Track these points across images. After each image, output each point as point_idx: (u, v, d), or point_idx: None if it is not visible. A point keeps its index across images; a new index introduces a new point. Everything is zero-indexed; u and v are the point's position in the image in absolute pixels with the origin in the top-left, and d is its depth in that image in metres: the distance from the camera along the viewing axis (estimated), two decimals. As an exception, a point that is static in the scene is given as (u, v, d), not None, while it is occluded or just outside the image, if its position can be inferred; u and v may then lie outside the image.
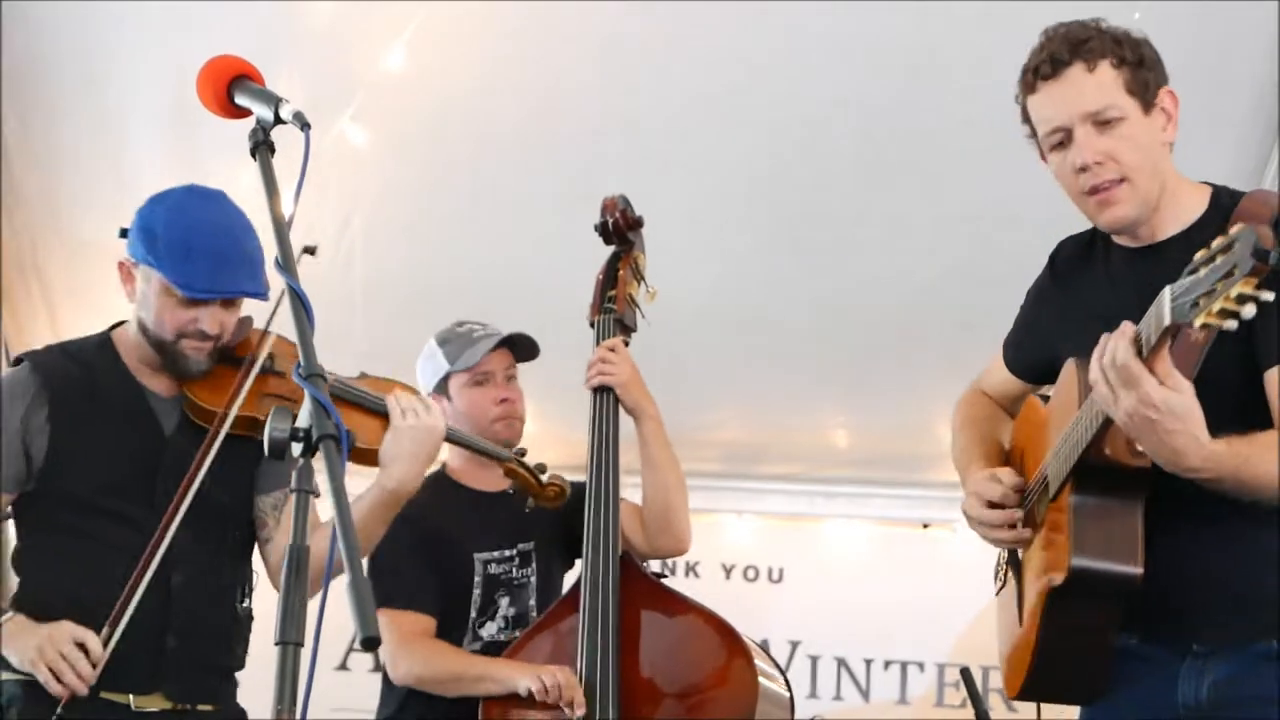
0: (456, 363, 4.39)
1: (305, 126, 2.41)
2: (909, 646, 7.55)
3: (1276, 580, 2.84)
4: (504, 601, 4.37)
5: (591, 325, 4.40)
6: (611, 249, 4.50)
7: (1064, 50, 2.93)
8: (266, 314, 3.49)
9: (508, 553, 4.37)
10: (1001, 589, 3.27)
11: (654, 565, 4.56)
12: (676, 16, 5.68)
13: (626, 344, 4.38)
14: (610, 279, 4.44)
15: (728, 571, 7.76)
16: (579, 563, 4.24)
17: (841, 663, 7.72)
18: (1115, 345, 2.60)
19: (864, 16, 5.61)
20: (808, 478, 7.60)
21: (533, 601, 4.41)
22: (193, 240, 3.35)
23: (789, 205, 6.32)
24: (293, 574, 1.98)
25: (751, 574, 7.84)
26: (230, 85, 2.54)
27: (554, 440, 5.63)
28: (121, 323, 3.58)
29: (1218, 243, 2.38)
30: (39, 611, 3.32)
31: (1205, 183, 3.05)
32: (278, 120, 2.44)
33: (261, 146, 2.42)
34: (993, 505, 3.06)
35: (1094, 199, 2.94)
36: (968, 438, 3.32)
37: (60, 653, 3.18)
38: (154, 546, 3.26)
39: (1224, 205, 2.97)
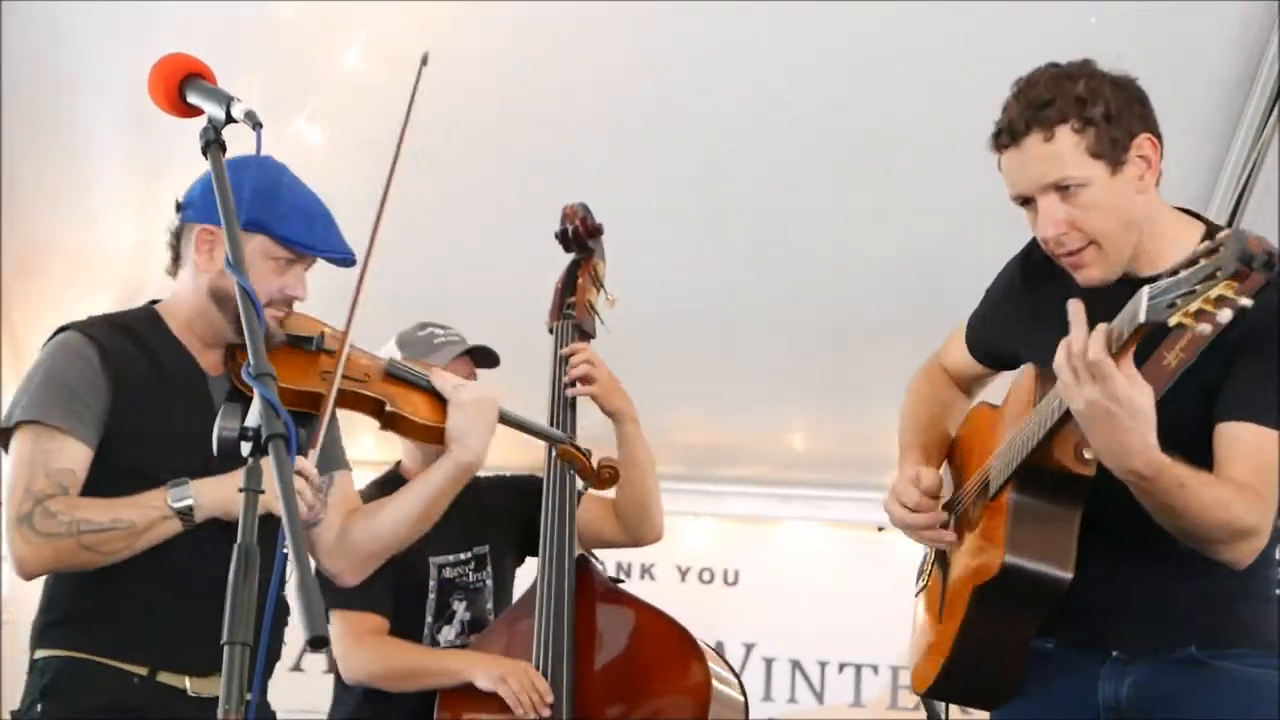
0: None
1: (256, 125, 2.41)
2: (863, 649, 7.57)
3: (1194, 592, 2.88)
4: (460, 606, 4.37)
5: (550, 331, 4.39)
6: (571, 256, 4.49)
7: (1021, 120, 2.87)
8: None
9: (463, 556, 4.36)
10: (923, 589, 3.28)
11: (610, 569, 4.56)
12: (637, 19, 5.67)
13: None
14: (569, 286, 4.43)
15: (683, 574, 7.76)
16: (534, 562, 4.24)
17: (796, 665, 7.73)
18: (1090, 340, 2.58)
19: (825, 16, 5.62)
20: (764, 480, 7.61)
21: (490, 605, 4.40)
22: (305, 204, 3.40)
23: (747, 208, 6.33)
24: (240, 573, 1.98)
25: (707, 576, 7.84)
26: (182, 84, 2.54)
27: (510, 443, 5.60)
28: (156, 301, 3.53)
29: (1202, 247, 2.38)
30: (100, 582, 3.22)
31: (1197, 215, 3.04)
32: (229, 119, 2.43)
33: (213, 145, 2.41)
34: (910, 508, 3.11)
35: (1066, 261, 2.93)
36: (914, 420, 3.35)
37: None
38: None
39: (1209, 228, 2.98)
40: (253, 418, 2.03)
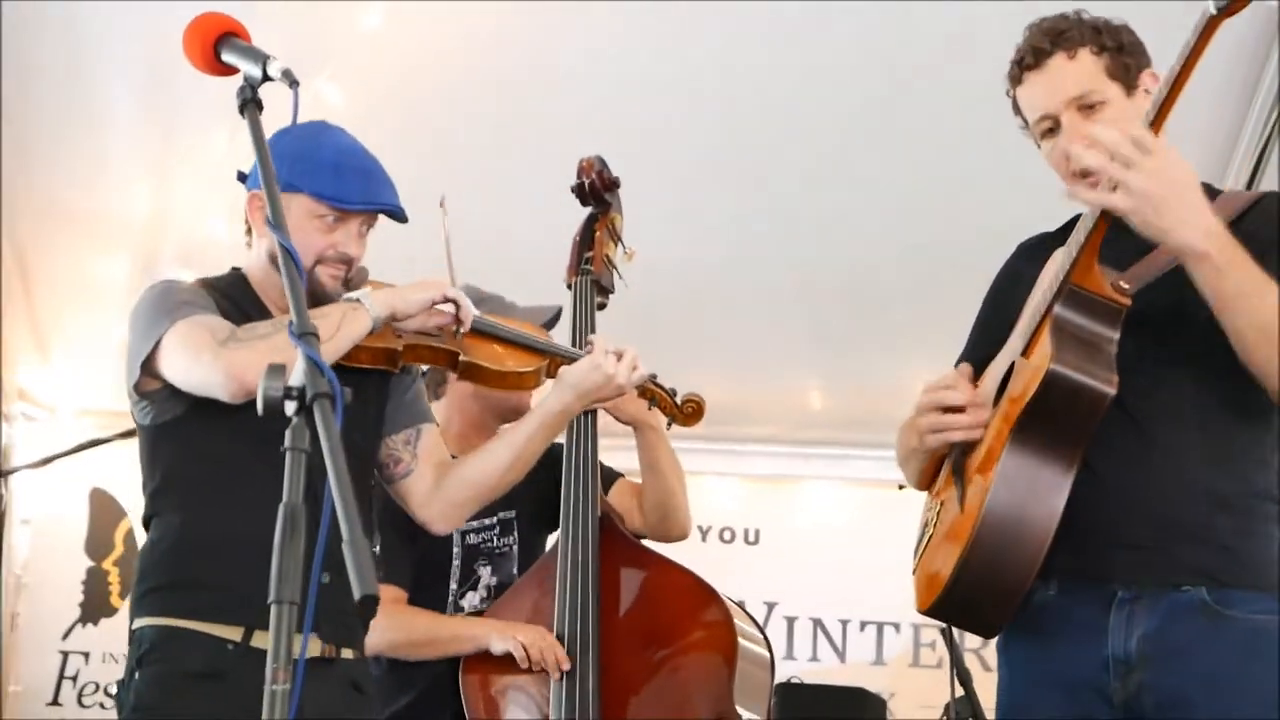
0: None
1: (293, 84, 2.40)
2: (885, 607, 7.59)
3: (1193, 518, 2.87)
4: (485, 571, 4.35)
5: (569, 287, 4.37)
6: (588, 210, 4.47)
7: (1045, 41, 3.02)
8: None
9: (487, 521, 4.33)
10: (926, 544, 3.22)
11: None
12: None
13: (604, 305, 4.36)
14: (587, 240, 4.39)
15: (704, 533, 7.79)
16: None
17: (818, 624, 7.76)
18: (1122, 128, 2.71)
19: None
20: (784, 439, 7.63)
21: (515, 570, 4.38)
22: (341, 159, 3.34)
23: (767, 166, 6.34)
24: (287, 533, 1.97)
25: (728, 536, 7.88)
26: (217, 42, 2.53)
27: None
28: (237, 268, 3.49)
29: None
30: (191, 547, 3.20)
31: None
32: (265, 77, 2.43)
33: (250, 104, 2.41)
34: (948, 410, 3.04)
35: (1087, 181, 2.94)
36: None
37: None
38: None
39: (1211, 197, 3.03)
40: (297, 377, 2.01)
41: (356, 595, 1.85)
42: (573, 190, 4.42)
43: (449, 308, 3.35)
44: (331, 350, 3.13)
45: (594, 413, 4.15)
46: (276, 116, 2.45)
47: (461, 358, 3.47)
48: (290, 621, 1.94)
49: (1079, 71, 2.99)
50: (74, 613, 7.91)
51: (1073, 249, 2.85)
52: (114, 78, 6.19)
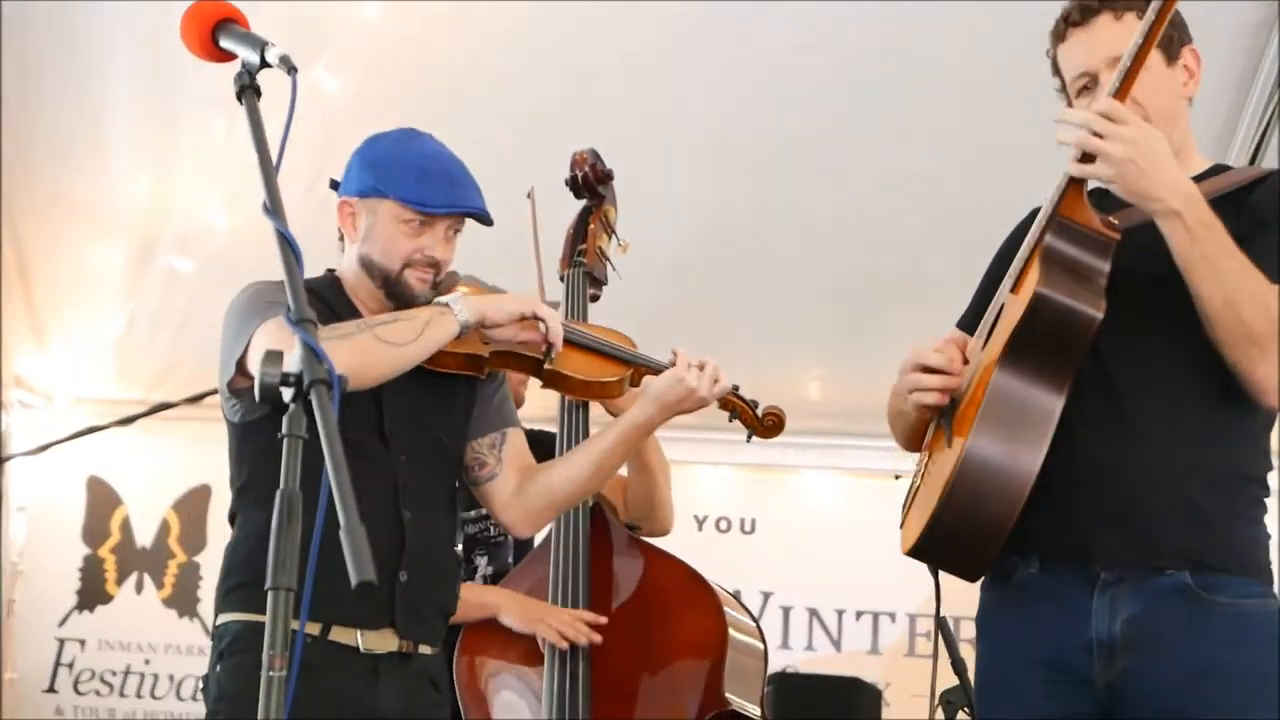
0: None
1: (291, 70, 2.39)
2: (881, 597, 7.62)
3: (1179, 503, 2.86)
4: (482, 561, 4.37)
5: (561, 279, 4.37)
6: (582, 202, 4.47)
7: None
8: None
9: (483, 511, 4.34)
10: (915, 490, 3.22)
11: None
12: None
13: (597, 297, 4.36)
14: (580, 233, 4.40)
15: (700, 522, 7.79)
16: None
17: (813, 613, 7.77)
18: (1094, 100, 2.79)
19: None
20: (781, 429, 7.62)
21: (510, 559, 4.40)
22: (425, 164, 3.38)
23: (763, 156, 6.33)
24: (283, 520, 1.98)
25: (724, 525, 7.88)
26: (215, 28, 2.53)
27: (529, 394, 5.63)
28: (332, 269, 3.53)
29: None
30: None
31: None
32: (263, 64, 2.42)
33: (247, 90, 2.41)
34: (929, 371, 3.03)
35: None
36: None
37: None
38: None
39: (1221, 171, 3.06)
40: (294, 363, 2.01)
41: (353, 581, 1.86)
42: (566, 183, 4.42)
43: (539, 325, 3.38)
44: (416, 353, 3.22)
45: (586, 404, 4.16)
46: (274, 104, 2.45)
47: (547, 366, 3.49)
48: (286, 607, 1.96)
49: (1124, 33, 2.94)
50: (70, 600, 7.92)
51: (1061, 184, 2.85)
52: (112, 68, 6.18)
